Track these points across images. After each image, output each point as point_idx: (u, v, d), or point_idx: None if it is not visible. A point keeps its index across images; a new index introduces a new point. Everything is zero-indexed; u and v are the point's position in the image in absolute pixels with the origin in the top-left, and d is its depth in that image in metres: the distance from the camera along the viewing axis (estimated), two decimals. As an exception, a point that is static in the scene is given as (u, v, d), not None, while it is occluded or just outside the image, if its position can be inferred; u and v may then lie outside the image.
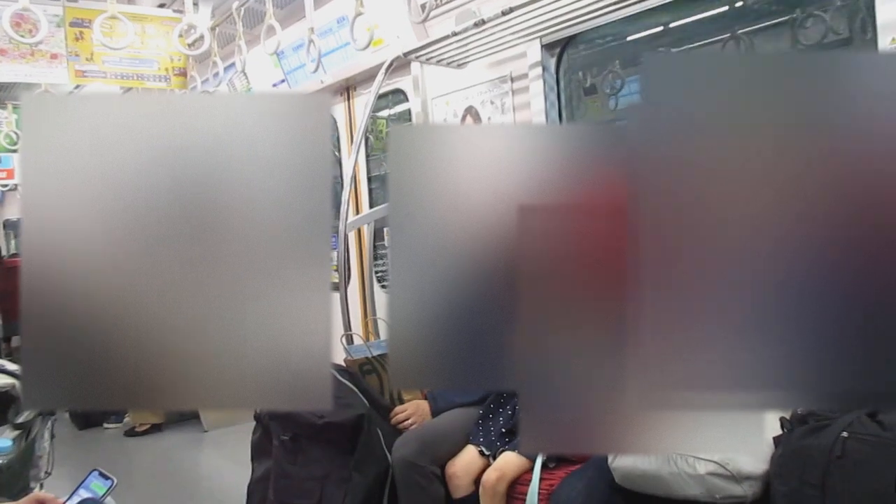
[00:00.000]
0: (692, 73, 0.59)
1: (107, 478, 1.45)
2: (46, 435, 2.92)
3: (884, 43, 2.20)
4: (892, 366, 0.58)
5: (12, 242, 9.90)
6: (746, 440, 0.67)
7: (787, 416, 1.89)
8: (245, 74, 4.82)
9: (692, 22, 2.99)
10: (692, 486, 1.94)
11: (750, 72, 0.59)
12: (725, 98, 0.59)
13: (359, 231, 4.42)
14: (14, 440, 2.81)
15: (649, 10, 2.87)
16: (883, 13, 2.21)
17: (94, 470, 1.46)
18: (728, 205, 0.58)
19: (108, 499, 1.43)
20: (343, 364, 3.00)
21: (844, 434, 1.71)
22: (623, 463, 2.06)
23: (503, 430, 2.61)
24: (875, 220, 0.58)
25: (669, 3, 2.81)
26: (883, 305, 0.58)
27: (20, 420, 2.87)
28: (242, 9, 3.96)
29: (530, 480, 2.37)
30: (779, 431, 1.90)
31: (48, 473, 2.90)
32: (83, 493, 1.42)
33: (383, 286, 4.28)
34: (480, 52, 3.39)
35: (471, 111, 3.68)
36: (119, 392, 0.60)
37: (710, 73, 0.59)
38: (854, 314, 0.58)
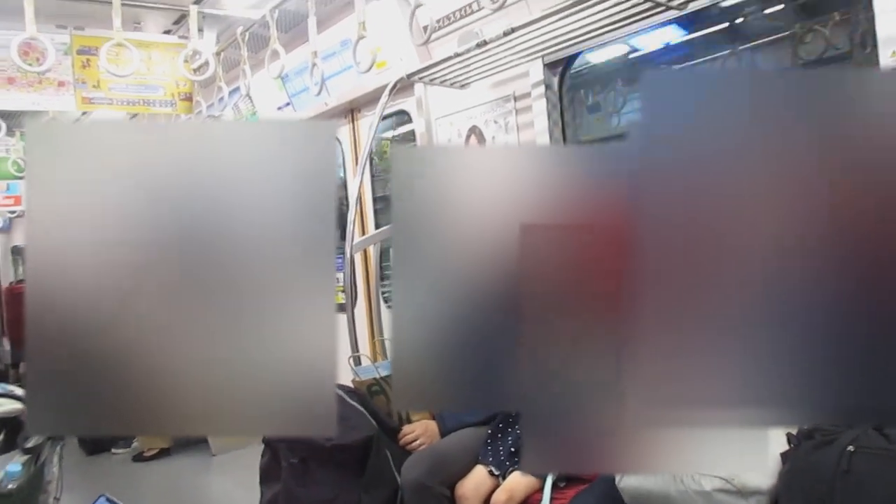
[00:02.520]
0: (691, 90, 0.59)
1: (113, 503, 1.44)
2: (55, 460, 2.93)
3: (884, 57, 2.20)
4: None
5: (20, 269, 9.92)
6: (751, 457, 0.67)
7: (794, 431, 1.88)
8: (250, 98, 4.85)
9: (693, 39, 3.01)
10: (699, 503, 1.93)
11: (749, 88, 0.59)
12: (724, 114, 0.59)
13: (364, 252, 4.43)
14: (24, 465, 2.81)
15: (649, 28, 2.89)
16: (883, 27, 2.21)
17: (102, 496, 1.46)
18: (729, 222, 0.58)
19: None
20: (351, 385, 2.99)
21: (850, 448, 1.70)
22: (630, 483, 2.05)
23: (512, 449, 2.59)
24: (878, 238, 0.58)
25: (669, 21, 2.83)
26: (888, 322, 0.58)
27: (29, 445, 2.87)
28: (247, 34, 3.99)
29: (540, 500, 2.36)
30: (786, 447, 1.89)
31: (57, 499, 2.89)
32: None
33: (390, 307, 4.27)
34: (483, 72, 3.40)
35: (475, 131, 3.69)
36: (124, 418, 0.61)
37: (708, 90, 0.59)
38: (859, 330, 0.58)
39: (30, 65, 3.71)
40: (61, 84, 4.44)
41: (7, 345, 8.20)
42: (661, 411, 0.60)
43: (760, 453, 0.68)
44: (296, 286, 0.60)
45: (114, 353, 0.60)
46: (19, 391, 2.93)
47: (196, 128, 0.74)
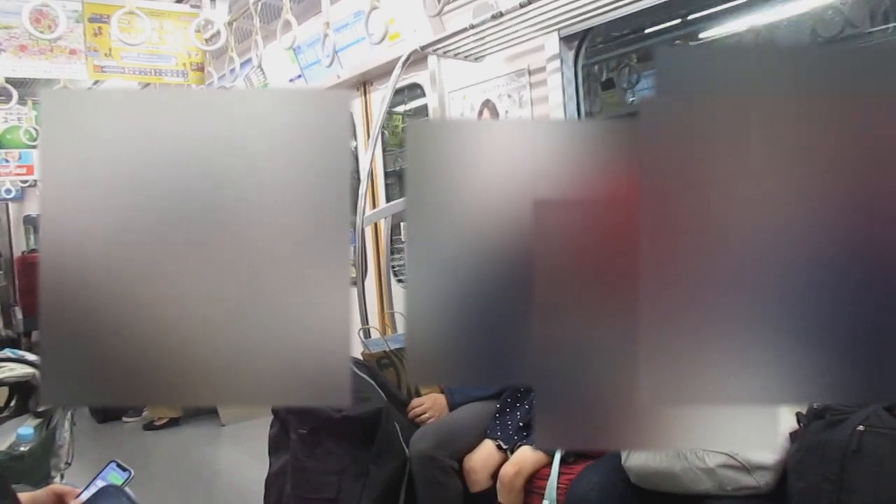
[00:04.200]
0: (706, 66, 0.58)
1: (124, 469, 1.46)
2: (67, 425, 2.96)
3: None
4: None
5: (31, 238, 10.00)
6: (761, 433, 0.67)
7: (804, 411, 1.88)
8: (262, 69, 4.84)
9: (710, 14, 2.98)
10: (704, 479, 1.94)
11: (765, 65, 0.58)
12: (740, 92, 0.58)
13: (375, 225, 4.43)
14: (35, 428, 2.85)
15: (667, 2, 2.85)
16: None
17: (112, 461, 1.47)
18: (742, 200, 0.58)
19: (127, 489, 1.44)
20: (360, 358, 3.01)
21: (861, 428, 1.70)
22: (636, 462, 2.07)
23: (521, 423, 2.61)
24: (894, 216, 0.57)
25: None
26: None
27: (41, 409, 2.91)
28: (259, 4, 3.97)
29: (548, 475, 2.37)
30: (795, 426, 1.89)
31: (68, 464, 2.93)
32: (100, 484, 1.43)
33: (400, 280, 4.28)
34: (498, 45, 3.37)
35: (488, 105, 3.67)
36: (137, 388, 0.61)
37: (724, 67, 0.58)
38: (871, 307, 0.57)
39: (41, 32, 3.70)
40: (73, 52, 4.42)
41: (19, 314, 8.28)
42: (674, 388, 0.60)
43: (771, 429, 0.68)
44: (310, 256, 0.60)
45: (128, 324, 0.59)
46: (31, 356, 2.96)
47: (210, 95, 0.74)
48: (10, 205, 9.70)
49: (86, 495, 1.39)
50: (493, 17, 2.99)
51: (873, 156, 0.57)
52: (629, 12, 2.95)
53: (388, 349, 3.01)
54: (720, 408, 0.65)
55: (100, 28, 4.37)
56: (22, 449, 2.77)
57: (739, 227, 0.58)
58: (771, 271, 0.58)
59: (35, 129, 6.31)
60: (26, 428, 2.83)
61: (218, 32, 4.13)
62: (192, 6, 4.63)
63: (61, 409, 2.92)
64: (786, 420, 1.91)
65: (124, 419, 5.74)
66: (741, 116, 0.58)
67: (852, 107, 0.57)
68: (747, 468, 1.90)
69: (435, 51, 3.51)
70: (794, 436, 1.89)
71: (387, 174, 4.72)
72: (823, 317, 0.58)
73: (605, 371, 0.65)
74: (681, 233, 0.58)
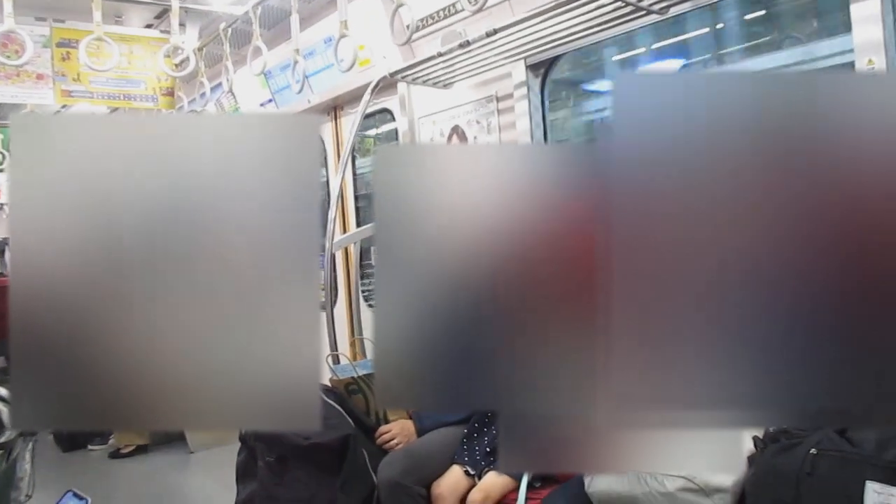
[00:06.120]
0: (662, 92, 0.59)
1: (81, 498, 1.44)
2: (27, 456, 2.90)
3: (860, 64, 2.23)
4: (864, 384, 0.59)
5: (-2, 262, 9.82)
6: (724, 456, 0.68)
7: (761, 435, 1.91)
8: (233, 94, 4.83)
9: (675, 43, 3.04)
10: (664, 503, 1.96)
11: (722, 91, 0.59)
12: (697, 118, 0.58)
13: (346, 250, 4.42)
14: (-6, 462, 2.79)
15: (632, 31, 2.91)
16: (859, 34, 2.24)
17: (69, 491, 1.45)
18: (701, 224, 0.58)
19: None
20: (329, 384, 2.99)
21: (813, 451, 1.74)
22: (598, 488, 2.08)
23: (488, 449, 2.60)
24: (853, 244, 0.58)
25: (652, 25, 2.85)
26: (856, 325, 0.58)
27: (1, 441, 2.85)
28: (230, 30, 3.98)
29: (515, 500, 2.37)
30: (752, 450, 1.92)
31: (29, 496, 2.87)
32: None
33: (370, 305, 4.28)
34: (466, 72, 3.42)
35: (457, 131, 3.70)
36: (107, 412, 0.61)
37: (680, 93, 0.59)
38: (827, 333, 0.58)
39: (8, 57, 3.67)
40: (40, 77, 4.38)
41: (-16, 338, 8.09)
42: (636, 412, 0.60)
43: (734, 452, 0.69)
44: (279, 279, 0.60)
45: (97, 347, 0.59)
46: (-6, 389, 2.91)
47: (179, 120, 0.74)
48: (-24, 229, 9.52)
49: None
50: (461, 46, 3.03)
51: (838, 182, 0.58)
52: (594, 41, 3.01)
53: (356, 375, 3.00)
54: (683, 431, 0.65)
55: (68, 53, 4.35)
56: (-19, 484, 2.71)
57: (701, 251, 0.59)
58: (732, 296, 0.59)
59: (2, 154, 6.22)
60: (-15, 461, 2.78)
61: (187, 58, 4.13)
62: (162, 31, 4.63)
63: (22, 441, 2.86)
64: (744, 444, 1.93)
65: (90, 447, 5.60)
66: (699, 141, 0.58)
67: (813, 129, 0.58)
68: (706, 491, 1.92)
69: (404, 77, 3.54)
70: (751, 460, 1.91)
71: (357, 197, 4.73)
72: (781, 342, 0.59)
73: (567, 395, 0.65)
74: (642, 258, 0.59)
